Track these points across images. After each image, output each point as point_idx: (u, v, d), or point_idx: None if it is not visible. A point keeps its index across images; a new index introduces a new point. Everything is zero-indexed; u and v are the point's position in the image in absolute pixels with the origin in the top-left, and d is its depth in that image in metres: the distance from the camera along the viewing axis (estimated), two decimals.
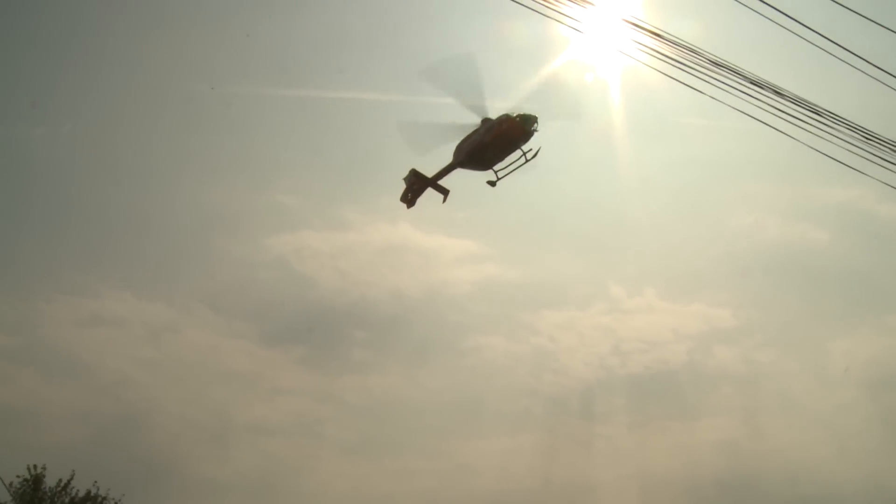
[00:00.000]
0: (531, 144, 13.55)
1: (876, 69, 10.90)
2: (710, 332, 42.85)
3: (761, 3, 9.69)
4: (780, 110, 10.32)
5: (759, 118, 10.43)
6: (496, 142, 13.60)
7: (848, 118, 10.95)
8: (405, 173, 15.27)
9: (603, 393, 40.24)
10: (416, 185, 14.92)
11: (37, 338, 39.21)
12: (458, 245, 43.90)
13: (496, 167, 13.88)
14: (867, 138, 11.21)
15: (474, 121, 13.71)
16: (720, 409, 40.43)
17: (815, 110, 10.73)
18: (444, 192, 14.95)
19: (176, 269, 42.87)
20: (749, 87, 10.06)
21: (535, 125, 13.50)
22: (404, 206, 15.08)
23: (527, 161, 13.68)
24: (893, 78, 11.12)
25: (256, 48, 42.24)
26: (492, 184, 13.85)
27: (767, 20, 10.12)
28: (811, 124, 10.73)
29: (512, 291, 43.95)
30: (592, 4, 9.27)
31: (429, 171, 15.22)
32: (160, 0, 41.17)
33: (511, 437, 39.41)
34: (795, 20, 10.03)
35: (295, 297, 43.59)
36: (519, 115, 13.41)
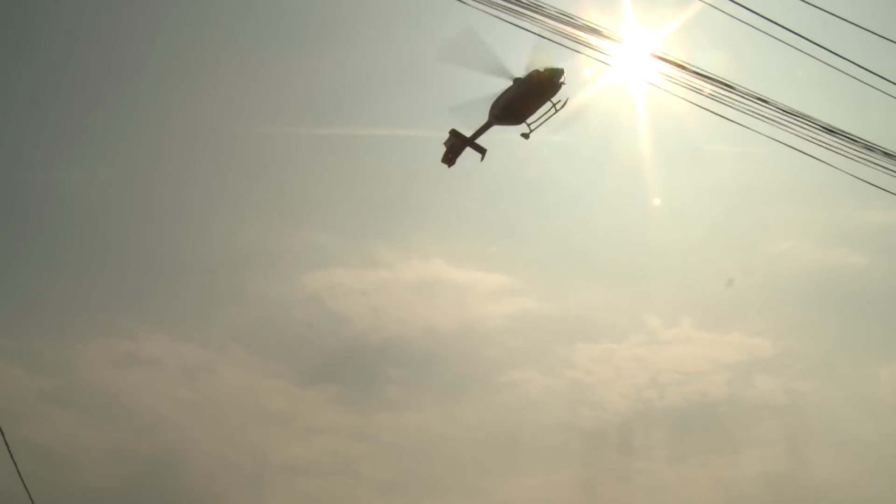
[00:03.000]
0: (559, 96, 14.57)
1: None
2: (749, 361, 41.95)
3: (792, 34, 9.67)
4: (812, 138, 10.25)
5: (792, 145, 10.39)
6: (528, 95, 14.62)
7: (883, 145, 10.87)
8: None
9: (642, 426, 39.50)
10: (455, 145, 15.96)
11: (74, 379, 39.60)
12: (492, 279, 43.71)
13: (529, 120, 14.83)
14: None
15: (506, 84, 14.71)
16: (763, 441, 39.41)
17: (848, 137, 10.66)
18: (482, 150, 16.31)
19: (210, 308, 43.16)
20: (781, 115, 10.02)
21: (563, 77, 14.44)
22: (445, 165, 15.90)
23: (556, 111, 14.68)
24: None
25: (286, 88, 42.87)
26: (525, 136, 15.00)
27: (800, 52, 10.15)
28: (845, 150, 10.68)
29: (546, 325, 43.53)
30: (620, 41, 9.37)
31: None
32: (190, 44, 41.98)
33: (549, 473, 38.74)
34: (829, 50, 9.98)
35: (329, 335, 43.62)
36: (547, 69, 14.33)
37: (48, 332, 39.12)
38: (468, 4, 9.03)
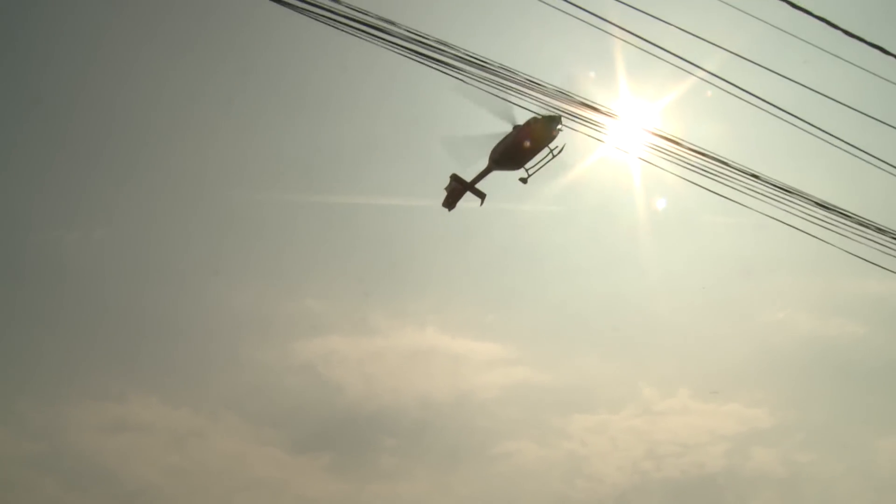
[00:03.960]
0: (556, 143, 15.14)
1: None
2: (747, 432, 41.56)
3: (785, 112, 9.94)
4: (805, 213, 10.45)
5: (786, 220, 10.59)
6: (526, 141, 15.13)
7: (875, 220, 11.08)
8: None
9: (638, 499, 38.85)
10: (456, 189, 16.32)
11: (60, 443, 38.93)
12: (487, 349, 43.58)
13: (527, 165, 15.40)
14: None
15: (506, 129, 15.29)
16: None
17: (841, 212, 10.86)
18: (482, 195, 16.69)
19: (203, 373, 42.81)
20: (774, 191, 10.23)
21: (560, 125, 14.76)
22: (446, 209, 16.39)
23: (553, 157, 15.19)
24: None
25: (286, 153, 43.43)
26: (524, 181, 15.73)
27: (792, 126, 10.42)
28: (838, 225, 10.89)
29: (542, 395, 43.22)
30: (616, 116, 9.64)
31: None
32: (191, 107, 42.68)
33: None
34: (820, 129, 10.25)
35: (322, 403, 43.21)
36: (544, 117, 14.67)
37: (36, 394, 38.71)
38: (466, 82, 9.28)
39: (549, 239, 40.06)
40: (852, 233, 11.10)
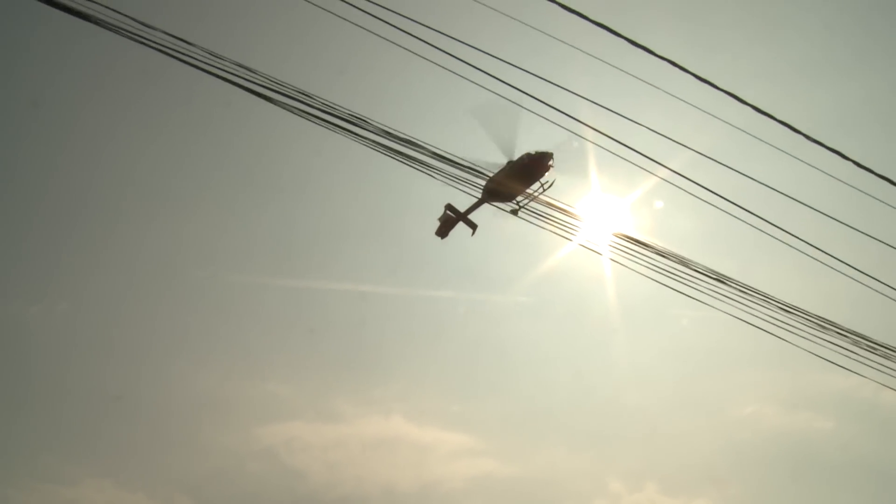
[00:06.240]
0: (547, 178, 15.79)
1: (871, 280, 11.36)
2: None
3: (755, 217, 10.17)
4: (769, 316, 10.63)
5: (750, 321, 10.74)
6: (519, 175, 15.72)
7: (838, 321, 11.30)
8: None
9: None
10: (450, 219, 16.58)
11: None
12: (453, 439, 42.94)
13: (518, 199, 16.09)
14: (856, 341, 11.58)
15: (501, 162, 15.98)
16: None
17: (804, 314, 11.05)
18: (473, 226, 16.77)
19: (161, 456, 41.49)
20: (741, 294, 10.40)
21: (552, 160, 15.64)
22: (439, 238, 16.81)
23: (544, 191, 15.73)
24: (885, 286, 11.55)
25: (257, 235, 43.42)
26: (514, 213, 15.82)
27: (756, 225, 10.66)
28: (800, 325, 11.08)
29: (508, 487, 42.39)
30: (581, 219, 9.82)
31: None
32: (163, 185, 42.78)
33: None
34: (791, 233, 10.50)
35: (284, 490, 42.01)
36: (537, 152, 15.62)
37: None
38: (449, 185, 9.40)
39: (518, 330, 40.12)
40: (814, 334, 11.31)
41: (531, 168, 15.83)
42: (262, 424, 42.32)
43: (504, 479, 41.79)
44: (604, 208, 13.29)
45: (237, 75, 8.81)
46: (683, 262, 10.17)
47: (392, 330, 37.62)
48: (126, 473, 39.05)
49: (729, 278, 10.47)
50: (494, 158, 16.17)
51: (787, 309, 10.73)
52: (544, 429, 43.54)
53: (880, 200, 11.35)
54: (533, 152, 15.65)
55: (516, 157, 16.13)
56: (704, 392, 44.63)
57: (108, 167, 40.93)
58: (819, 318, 11.01)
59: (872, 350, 11.55)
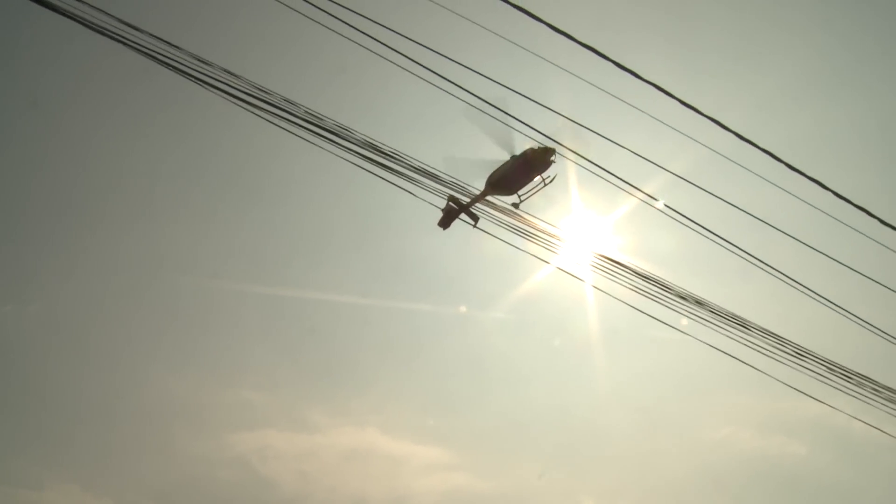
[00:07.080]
0: (549, 172, 16.13)
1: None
2: None
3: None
4: (748, 341, 10.68)
5: (726, 350, 10.82)
6: (522, 169, 16.02)
7: (812, 349, 11.40)
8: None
9: None
10: (452, 211, 16.71)
11: None
12: (427, 452, 42.74)
13: (520, 192, 16.33)
14: (831, 369, 11.69)
15: (504, 157, 16.24)
16: None
17: (780, 341, 11.13)
18: (475, 218, 16.83)
19: (131, 461, 40.96)
20: (716, 319, 10.46)
21: (554, 155, 15.88)
22: (441, 228, 16.72)
23: (545, 185, 16.05)
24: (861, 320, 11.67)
25: (237, 242, 43.18)
26: (516, 206, 16.07)
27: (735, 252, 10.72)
28: (777, 353, 11.16)
29: (481, 502, 42.33)
30: (562, 240, 9.86)
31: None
32: (144, 189, 42.50)
33: None
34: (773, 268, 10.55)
35: (255, 499, 41.61)
36: (540, 147, 15.84)
37: None
38: (434, 206, 9.38)
39: (497, 346, 40.10)
40: (791, 360, 11.40)
41: (534, 163, 16.31)
42: (235, 431, 41.95)
43: (477, 494, 41.66)
44: (583, 228, 13.40)
45: (223, 81, 8.76)
46: (663, 284, 10.21)
47: (370, 341, 37.49)
48: (94, 479, 38.52)
49: (706, 301, 10.51)
50: (485, 168, 16.37)
51: (764, 334, 10.80)
52: (519, 445, 43.49)
53: (858, 231, 11.46)
54: (536, 147, 16.10)
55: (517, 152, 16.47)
56: (680, 413, 44.79)
57: (88, 170, 40.62)
58: (795, 344, 11.09)
59: (847, 378, 11.65)
